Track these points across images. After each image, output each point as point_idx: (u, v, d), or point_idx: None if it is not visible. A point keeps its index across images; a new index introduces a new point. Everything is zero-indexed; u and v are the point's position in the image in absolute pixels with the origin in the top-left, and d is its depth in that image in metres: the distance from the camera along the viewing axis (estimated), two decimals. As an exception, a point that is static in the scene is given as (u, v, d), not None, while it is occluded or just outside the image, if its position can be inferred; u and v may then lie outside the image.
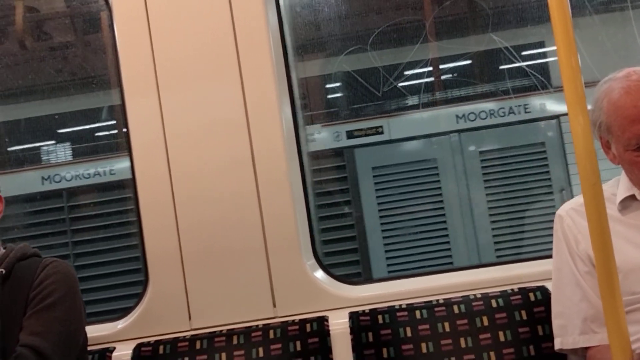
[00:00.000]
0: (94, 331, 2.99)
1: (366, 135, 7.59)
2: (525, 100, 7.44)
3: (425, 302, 2.91)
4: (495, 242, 7.28)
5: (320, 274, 3.11)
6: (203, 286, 3.04)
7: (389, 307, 2.91)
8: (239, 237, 3.03)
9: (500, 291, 2.88)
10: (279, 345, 2.85)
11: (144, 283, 3.11)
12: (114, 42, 3.14)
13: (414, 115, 7.68)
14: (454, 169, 7.44)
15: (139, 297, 3.12)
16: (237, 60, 3.04)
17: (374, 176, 7.45)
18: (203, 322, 3.02)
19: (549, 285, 2.70)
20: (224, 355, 2.86)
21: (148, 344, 2.93)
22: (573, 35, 1.62)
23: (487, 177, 7.36)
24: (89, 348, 2.82)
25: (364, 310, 2.91)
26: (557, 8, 1.61)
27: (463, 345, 2.76)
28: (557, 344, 2.53)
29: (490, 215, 7.32)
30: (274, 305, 3.02)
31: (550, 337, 2.61)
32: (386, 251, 7.37)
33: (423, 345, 2.78)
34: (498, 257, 7.19)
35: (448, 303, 2.87)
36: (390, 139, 7.59)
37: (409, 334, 2.81)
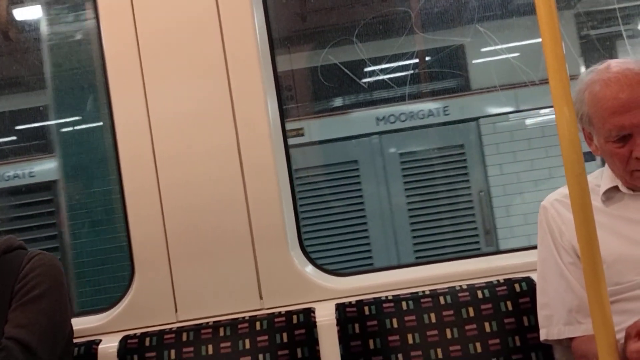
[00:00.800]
0: (79, 323, 2.95)
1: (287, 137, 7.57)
2: (445, 103, 7.54)
3: (411, 293, 2.92)
4: (415, 244, 7.36)
5: (306, 265, 3.10)
6: (189, 278, 3.01)
7: (375, 298, 2.92)
8: (226, 229, 3.00)
9: (485, 282, 2.90)
10: (266, 337, 2.83)
11: (130, 275, 3.06)
12: (98, 33, 3.09)
13: (335, 117, 7.70)
14: (375, 170, 7.49)
15: (125, 289, 3.08)
16: (223, 49, 3.02)
17: (296, 178, 7.44)
18: (189, 314, 2.99)
19: (534, 276, 2.72)
20: (210, 347, 2.83)
21: (134, 336, 2.90)
22: (558, 25, 1.65)
23: (407, 179, 7.42)
24: (75, 340, 2.79)
25: (350, 302, 2.91)
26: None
27: (449, 336, 2.79)
28: (543, 335, 2.57)
29: (410, 217, 7.39)
30: (261, 297, 3.00)
31: (535, 327, 2.64)
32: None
33: (409, 336, 2.80)
34: (417, 257, 7.27)
35: (434, 294, 2.88)
36: (310, 141, 7.59)
37: (395, 325, 2.82)
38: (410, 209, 7.38)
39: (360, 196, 7.42)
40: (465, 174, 7.42)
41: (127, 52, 3.04)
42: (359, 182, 7.44)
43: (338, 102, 7.63)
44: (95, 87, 6.17)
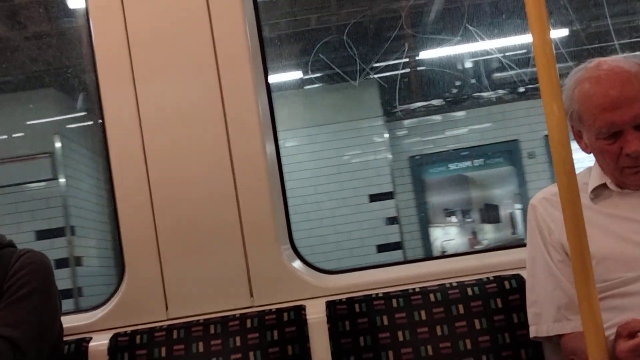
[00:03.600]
0: (70, 321, 2.94)
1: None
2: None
3: (402, 290, 2.92)
4: None
5: (297, 263, 3.10)
6: (180, 276, 3.00)
7: (365, 295, 2.92)
8: (216, 227, 3.00)
9: (475, 279, 2.90)
10: (256, 335, 2.83)
11: (121, 273, 3.06)
12: (88, 31, 3.09)
13: None
14: None
15: (116, 287, 3.08)
16: (214, 49, 3.02)
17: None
18: (180, 311, 2.99)
19: (524, 273, 2.73)
20: (201, 344, 2.83)
21: (125, 334, 2.89)
22: (548, 25, 1.65)
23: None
24: (65, 338, 2.79)
25: (340, 299, 2.91)
26: None
27: (439, 333, 2.79)
28: (532, 332, 2.58)
29: None
30: (251, 295, 3.00)
31: (525, 324, 2.65)
32: None
33: (399, 333, 2.80)
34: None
35: (424, 291, 2.88)
36: None
37: (385, 322, 2.82)
38: None
39: None
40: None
41: (117, 50, 3.03)
42: None
43: None
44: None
